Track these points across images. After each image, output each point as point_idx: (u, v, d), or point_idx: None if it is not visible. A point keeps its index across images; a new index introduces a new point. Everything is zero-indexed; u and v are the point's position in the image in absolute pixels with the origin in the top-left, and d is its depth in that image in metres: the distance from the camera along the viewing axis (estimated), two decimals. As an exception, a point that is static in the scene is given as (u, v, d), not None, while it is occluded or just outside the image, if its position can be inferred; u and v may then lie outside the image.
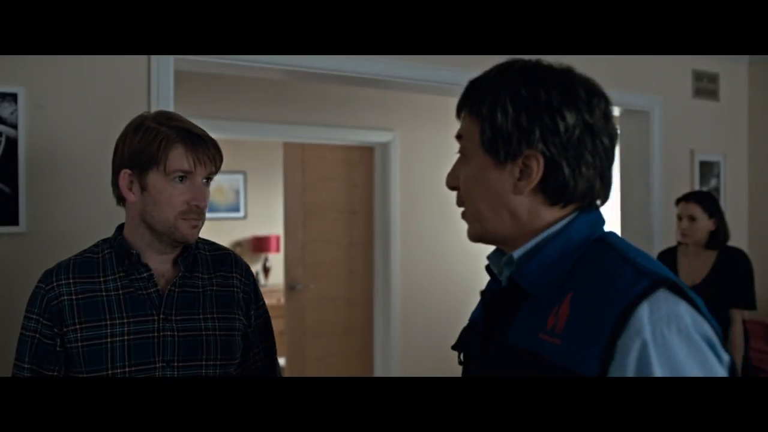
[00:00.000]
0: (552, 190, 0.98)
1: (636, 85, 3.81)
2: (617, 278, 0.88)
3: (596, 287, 0.89)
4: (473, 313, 1.18)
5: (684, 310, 0.85)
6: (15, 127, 2.10)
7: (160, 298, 1.44)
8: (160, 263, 1.48)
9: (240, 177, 6.99)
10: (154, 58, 2.32)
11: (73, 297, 1.41)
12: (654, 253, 3.52)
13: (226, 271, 1.56)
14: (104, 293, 1.42)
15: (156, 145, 1.39)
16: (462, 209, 1.07)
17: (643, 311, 0.83)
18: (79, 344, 1.39)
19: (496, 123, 0.97)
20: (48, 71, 2.17)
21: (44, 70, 2.16)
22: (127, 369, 1.39)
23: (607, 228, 1.02)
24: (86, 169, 2.20)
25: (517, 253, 1.00)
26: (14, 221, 2.10)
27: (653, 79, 3.92)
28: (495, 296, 1.06)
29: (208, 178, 1.46)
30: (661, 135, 3.93)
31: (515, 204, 1.00)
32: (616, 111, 3.79)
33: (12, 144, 2.09)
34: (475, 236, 1.06)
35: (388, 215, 4.66)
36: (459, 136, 1.05)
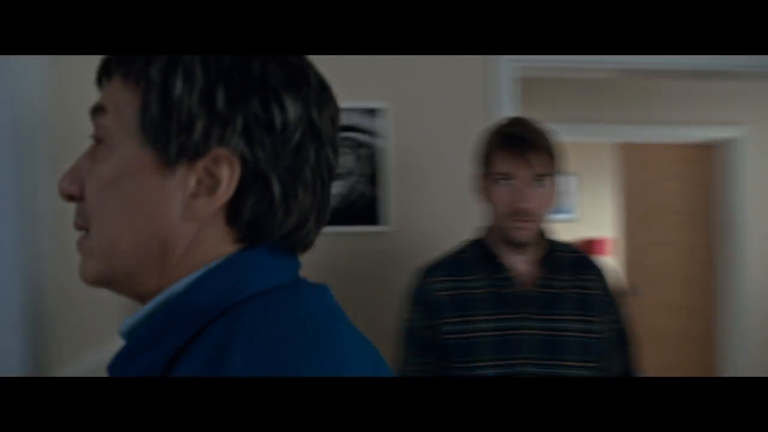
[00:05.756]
0: (248, 220, 0.62)
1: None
2: None
3: None
4: None
5: None
6: (380, 137, 2.42)
7: (521, 298, 1.48)
8: (521, 264, 1.52)
9: (571, 179, 6.98)
10: (491, 59, 2.49)
11: (446, 293, 1.51)
12: None
13: (586, 273, 1.55)
14: (471, 291, 1.50)
15: (485, 147, 1.50)
16: (83, 233, 0.65)
17: None
18: (452, 336, 1.47)
19: (171, 93, 0.60)
20: (408, 89, 2.46)
21: (405, 89, 2.46)
22: (490, 363, 1.44)
23: None
24: (447, 172, 2.45)
25: None
26: (381, 221, 2.40)
27: None
28: None
29: (540, 179, 1.46)
30: None
31: (177, 234, 0.61)
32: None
33: (379, 153, 2.41)
34: (94, 279, 0.64)
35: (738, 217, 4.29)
36: (99, 109, 0.63)
